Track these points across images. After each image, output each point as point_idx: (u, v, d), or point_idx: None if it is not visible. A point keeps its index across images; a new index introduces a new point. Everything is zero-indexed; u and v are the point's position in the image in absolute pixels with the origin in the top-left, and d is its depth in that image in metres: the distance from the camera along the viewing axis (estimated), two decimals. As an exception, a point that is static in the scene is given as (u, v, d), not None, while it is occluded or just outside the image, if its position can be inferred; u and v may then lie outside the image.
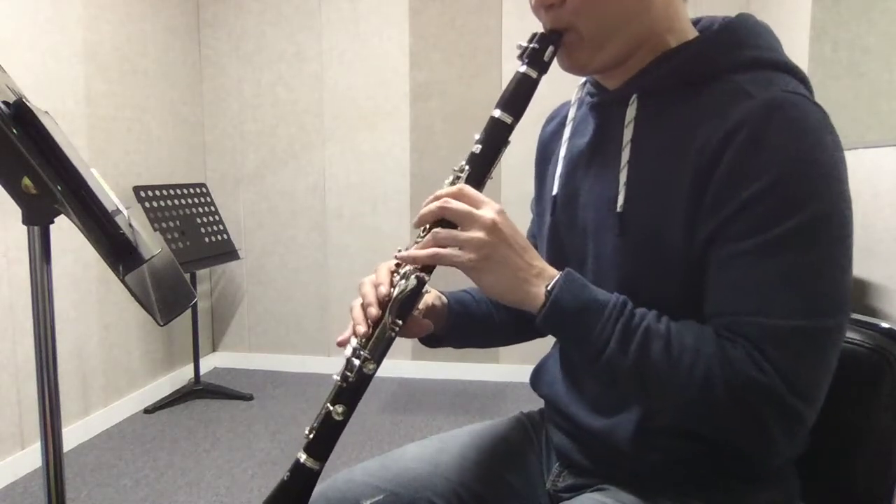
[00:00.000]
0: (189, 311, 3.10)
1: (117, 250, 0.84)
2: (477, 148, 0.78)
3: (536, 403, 1.03)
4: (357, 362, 0.76)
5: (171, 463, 2.44)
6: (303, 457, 0.78)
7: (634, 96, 0.79)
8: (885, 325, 0.85)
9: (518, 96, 0.78)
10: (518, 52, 0.79)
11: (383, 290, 0.77)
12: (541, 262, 0.75)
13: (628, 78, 0.80)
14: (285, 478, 0.79)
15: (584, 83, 0.91)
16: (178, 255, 2.75)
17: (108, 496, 2.20)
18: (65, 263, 2.53)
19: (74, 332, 2.62)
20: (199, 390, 3.11)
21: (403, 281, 0.76)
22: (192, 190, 3.13)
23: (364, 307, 0.79)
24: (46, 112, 0.87)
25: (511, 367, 3.31)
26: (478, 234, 0.71)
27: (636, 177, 0.77)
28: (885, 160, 1.82)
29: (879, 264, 1.83)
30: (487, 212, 0.72)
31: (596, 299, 0.71)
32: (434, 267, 0.76)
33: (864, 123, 1.94)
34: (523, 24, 3.17)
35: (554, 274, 0.73)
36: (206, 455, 2.51)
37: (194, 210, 3.07)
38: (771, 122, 0.66)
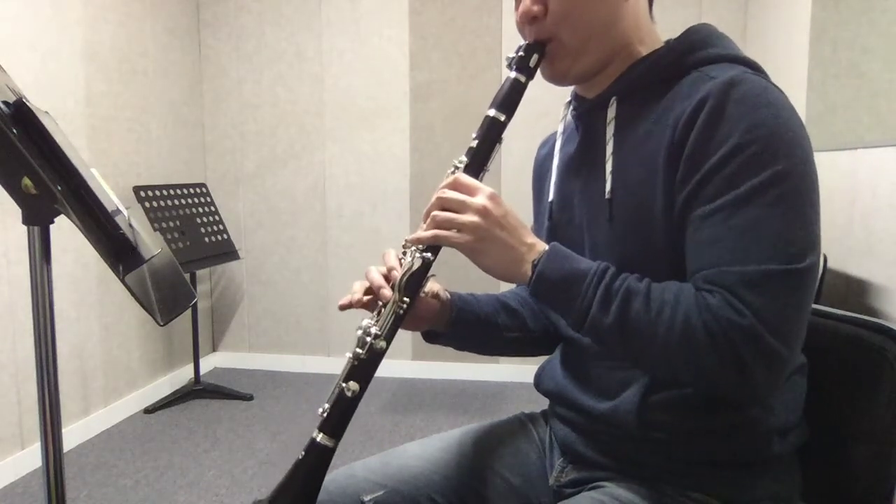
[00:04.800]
0: (189, 311, 3.10)
1: (117, 250, 0.84)
2: (474, 143, 0.86)
3: (536, 404, 1.04)
4: (369, 340, 0.80)
5: (171, 463, 2.44)
6: (318, 435, 0.79)
7: (613, 98, 0.86)
8: (885, 324, 0.85)
9: (510, 98, 0.87)
10: (507, 62, 0.89)
11: (395, 273, 0.84)
12: (532, 239, 0.81)
13: (606, 86, 0.88)
14: (300, 457, 0.80)
15: (569, 102, 0.97)
16: (178, 255, 2.75)
17: (108, 496, 2.20)
18: (65, 263, 2.53)
19: (74, 332, 2.62)
20: (199, 390, 3.12)
21: (410, 259, 0.83)
22: (192, 190, 3.13)
23: (375, 289, 0.85)
24: (46, 112, 0.87)
25: (511, 367, 3.31)
26: (472, 218, 0.79)
27: (620, 165, 0.83)
28: (885, 160, 1.82)
29: (879, 264, 1.83)
30: (480, 198, 0.79)
31: (578, 269, 0.78)
32: (439, 249, 0.83)
33: (864, 123, 1.93)
34: (523, 24, 3.17)
35: (543, 249, 0.80)
36: (206, 455, 2.51)
37: (194, 210, 3.07)
38: (730, 95, 0.73)
